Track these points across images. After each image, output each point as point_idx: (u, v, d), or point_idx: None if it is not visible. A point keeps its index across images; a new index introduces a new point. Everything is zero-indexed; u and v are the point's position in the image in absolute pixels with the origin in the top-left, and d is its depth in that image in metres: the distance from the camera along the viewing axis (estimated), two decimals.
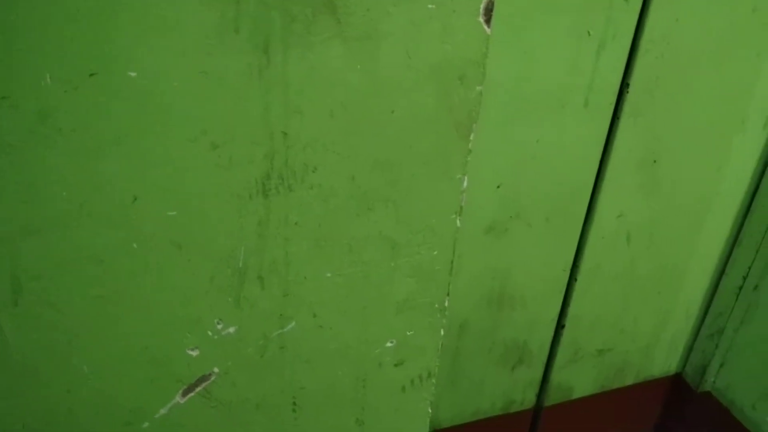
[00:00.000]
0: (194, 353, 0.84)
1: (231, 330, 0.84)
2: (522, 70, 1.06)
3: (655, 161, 1.26)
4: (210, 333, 0.83)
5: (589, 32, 1.06)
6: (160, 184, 0.72)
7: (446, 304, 0.95)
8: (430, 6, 0.71)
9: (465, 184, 0.84)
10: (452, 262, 0.92)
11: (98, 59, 0.64)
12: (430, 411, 1.06)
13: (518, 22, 1.02)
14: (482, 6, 0.73)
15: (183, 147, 0.70)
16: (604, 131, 1.19)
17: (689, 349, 1.70)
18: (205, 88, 0.68)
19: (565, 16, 1.04)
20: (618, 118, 1.18)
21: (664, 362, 1.69)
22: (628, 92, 1.15)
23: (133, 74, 0.65)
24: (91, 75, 0.64)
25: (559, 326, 1.45)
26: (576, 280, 1.37)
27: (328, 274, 0.86)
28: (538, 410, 1.58)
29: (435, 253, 0.90)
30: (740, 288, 1.52)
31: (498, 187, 1.17)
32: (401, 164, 0.80)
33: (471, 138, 0.81)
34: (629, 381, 1.66)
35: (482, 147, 1.11)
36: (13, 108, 0.63)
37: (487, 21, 0.74)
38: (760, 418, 1.54)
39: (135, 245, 0.75)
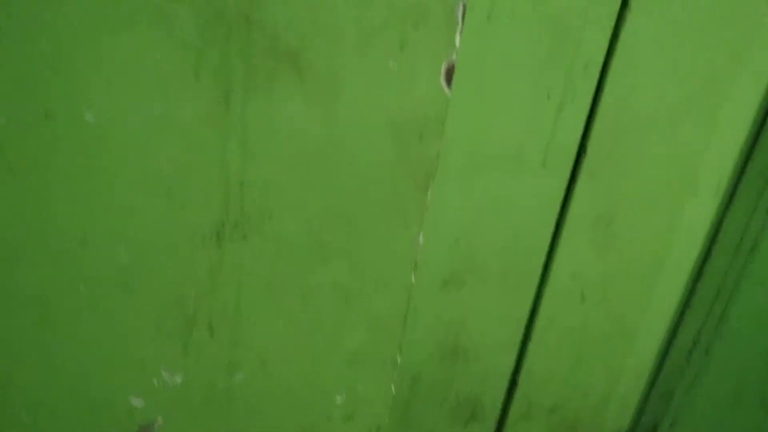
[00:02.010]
0: (137, 402, 0.82)
1: (177, 379, 0.82)
2: (481, 127, 1.08)
3: (610, 222, 1.28)
4: (155, 381, 0.81)
5: (548, 95, 1.09)
6: (111, 227, 0.71)
7: (398, 357, 0.95)
8: (391, 63, 0.72)
9: (421, 240, 0.85)
10: (406, 315, 0.91)
11: (55, 100, 0.63)
12: None
13: (478, 80, 1.04)
14: (443, 68, 0.75)
15: (136, 191, 0.70)
16: (561, 191, 1.21)
17: (640, 408, 1.71)
18: (162, 132, 0.68)
19: (525, 79, 1.06)
20: (575, 179, 1.20)
21: (615, 420, 1.70)
22: (585, 154, 1.18)
23: (89, 116, 0.65)
24: (47, 116, 0.63)
25: (513, 381, 1.45)
26: (530, 335, 1.38)
27: (280, 323, 0.85)
28: None
29: (389, 305, 0.90)
30: (690, 351, 1.54)
31: (456, 241, 1.17)
32: (358, 215, 0.80)
33: (429, 195, 0.81)
34: None
35: (441, 201, 1.12)
36: None
37: (448, 83, 0.75)
38: None
39: (82, 287, 0.73)
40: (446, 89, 0.76)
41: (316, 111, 0.71)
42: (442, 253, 1.19)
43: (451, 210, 1.14)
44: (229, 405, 0.88)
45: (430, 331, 1.31)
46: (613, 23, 1.12)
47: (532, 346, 1.44)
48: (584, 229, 1.27)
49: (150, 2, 0.62)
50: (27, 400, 0.76)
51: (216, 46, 0.66)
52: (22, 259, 0.69)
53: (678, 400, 1.59)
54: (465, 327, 1.33)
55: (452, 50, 0.76)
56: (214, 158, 0.70)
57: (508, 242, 1.24)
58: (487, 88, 1.05)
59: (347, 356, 0.92)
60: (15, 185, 0.66)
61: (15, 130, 0.63)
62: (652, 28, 1.14)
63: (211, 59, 0.66)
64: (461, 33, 0.76)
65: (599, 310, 1.43)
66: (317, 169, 0.75)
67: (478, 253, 1.22)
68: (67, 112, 0.64)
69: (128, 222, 0.71)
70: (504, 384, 1.50)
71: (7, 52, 0.61)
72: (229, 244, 0.77)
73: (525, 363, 1.46)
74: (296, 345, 0.88)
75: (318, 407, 0.94)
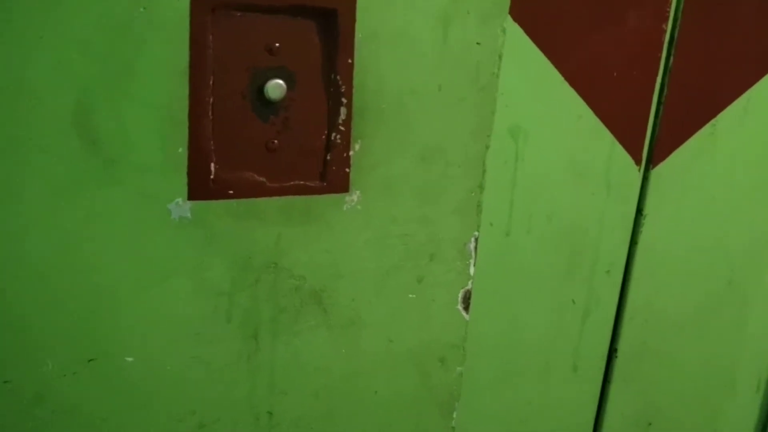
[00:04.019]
0: None
1: None
2: (509, 335, 1.10)
3: (650, 424, 1.26)
4: None
5: (573, 301, 1.12)
6: None
7: None
8: (410, 296, 0.77)
9: None
10: None
11: (99, 345, 0.69)
12: None
13: (503, 291, 1.08)
14: (460, 295, 0.79)
15: (170, 426, 0.73)
16: (595, 395, 1.20)
17: None
18: (196, 371, 0.72)
19: (548, 287, 1.10)
20: (609, 382, 1.20)
21: None
22: (616, 357, 1.18)
23: (129, 359, 0.70)
24: (90, 360, 0.69)
25: None
26: None
27: None
28: None
29: None
30: None
31: None
32: None
33: (454, 416, 0.83)
34: None
35: (471, 409, 1.12)
36: (11, 392, 0.67)
37: (466, 308, 0.79)
38: None
39: None
40: (464, 314, 0.79)
41: (340, 345, 0.75)
42: None
43: (484, 417, 1.14)
44: None
45: None
46: (630, 229, 1.17)
47: None
48: None
49: (187, 255, 0.69)
50: None
51: (246, 290, 0.72)
52: None
53: None
54: None
55: (468, 279, 0.80)
56: (243, 393, 0.74)
57: None
58: (512, 294, 1.08)
59: None
60: (55, 426, 0.70)
61: (59, 374, 0.68)
62: (669, 231, 1.19)
63: (241, 303, 0.71)
64: (475, 263, 0.81)
65: None
66: (343, 399, 0.77)
67: None
68: (109, 356, 0.69)
69: None
70: None
71: (55, 305, 0.67)
72: None
73: None
74: None
75: None
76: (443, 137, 0.74)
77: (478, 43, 0.72)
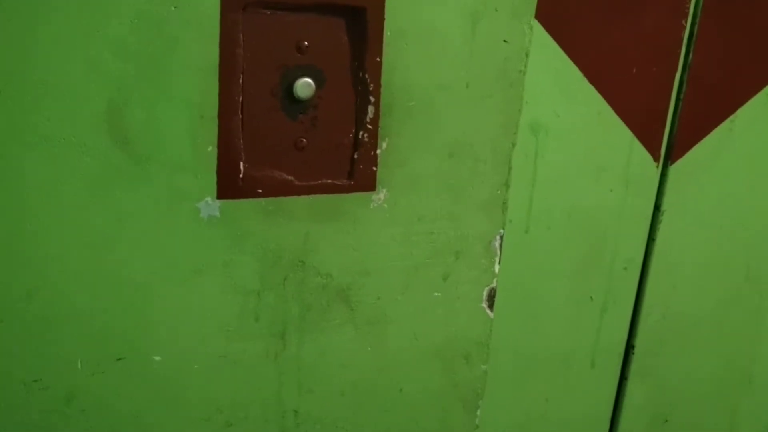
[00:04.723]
0: None
1: None
2: (528, 331, 1.10)
3: (666, 420, 1.26)
4: None
5: (591, 297, 1.12)
6: None
7: None
8: (435, 294, 0.77)
9: None
10: None
11: (127, 344, 0.69)
12: None
13: (523, 288, 1.08)
14: (485, 293, 0.79)
15: (197, 425, 0.73)
16: (612, 391, 1.20)
17: None
18: (223, 370, 0.72)
19: (567, 283, 1.10)
20: (626, 378, 1.20)
21: None
22: (633, 353, 1.18)
23: (157, 358, 0.70)
24: (119, 359, 0.69)
25: None
26: None
27: None
28: None
29: None
30: None
31: None
32: None
33: (478, 413, 0.83)
34: None
35: (492, 405, 1.12)
36: (43, 390, 0.67)
37: (490, 306, 0.79)
38: None
39: None
40: (489, 312, 0.79)
41: (365, 343, 0.75)
42: None
43: (503, 413, 1.14)
44: None
45: None
46: (647, 225, 1.17)
47: None
48: (640, 429, 1.24)
49: (216, 254, 0.69)
50: None
51: (274, 288, 0.72)
52: None
53: None
54: None
55: (492, 277, 0.80)
56: (270, 391, 0.74)
57: None
58: (531, 291, 1.08)
59: None
60: (85, 424, 0.70)
61: (88, 373, 0.68)
62: (687, 227, 1.19)
63: (269, 301, 0.72)
64: (500, 261, 0.81)
65: None
66: (368, 396, 0.77)
67: None
68: (137, 355, 0.69)
69: None
70: None
71: (85, 304, 0.67)
72: None
73: None
74: None
75: None
76: (471, 134, 0.74)
77: (505, 41, 0.72)
